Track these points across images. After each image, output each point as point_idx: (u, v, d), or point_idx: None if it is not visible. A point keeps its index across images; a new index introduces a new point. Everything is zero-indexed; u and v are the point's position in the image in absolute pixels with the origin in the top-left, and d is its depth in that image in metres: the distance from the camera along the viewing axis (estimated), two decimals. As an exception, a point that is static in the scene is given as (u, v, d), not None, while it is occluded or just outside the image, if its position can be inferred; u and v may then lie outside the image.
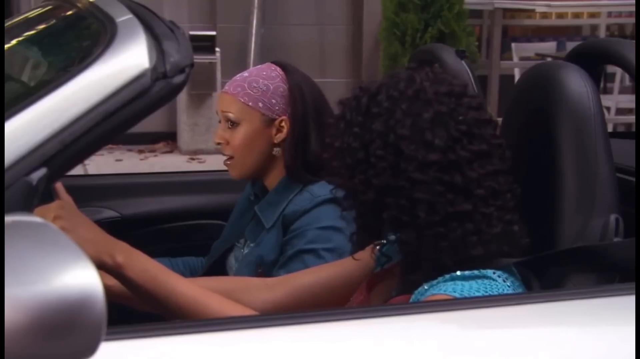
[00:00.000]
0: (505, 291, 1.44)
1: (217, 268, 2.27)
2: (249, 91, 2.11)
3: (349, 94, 1.53)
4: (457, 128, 1.44)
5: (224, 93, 2.16)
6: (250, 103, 2.11)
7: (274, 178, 2.16)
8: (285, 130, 2.12)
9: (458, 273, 1.45)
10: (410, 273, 1.50)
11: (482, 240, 1.44)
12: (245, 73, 2.17)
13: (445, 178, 1.43)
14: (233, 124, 2.12)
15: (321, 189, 2.07)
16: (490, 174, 1.45)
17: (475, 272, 1.44)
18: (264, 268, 2.07)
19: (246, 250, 2.18)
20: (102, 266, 1.51)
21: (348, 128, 1.48)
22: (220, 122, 2.18)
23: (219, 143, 2.16)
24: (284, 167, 2.13)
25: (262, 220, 2.15)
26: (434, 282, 1.45)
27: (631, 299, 1.37)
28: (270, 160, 2.15)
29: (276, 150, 2.13)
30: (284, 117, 2.12)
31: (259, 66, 2.21)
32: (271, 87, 2.12)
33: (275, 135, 2.12)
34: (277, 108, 2.12)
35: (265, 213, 2.15)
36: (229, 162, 2.17)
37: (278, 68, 2.16)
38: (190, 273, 2.36)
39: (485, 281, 1.44)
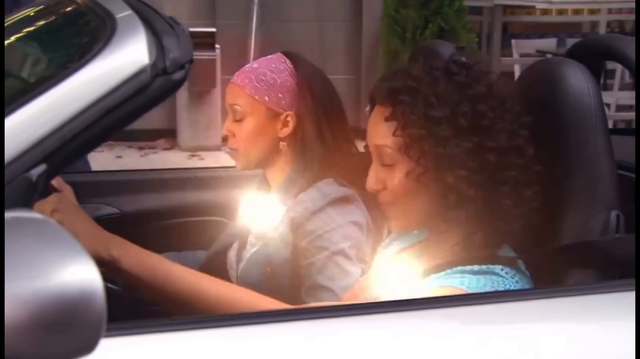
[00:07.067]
0: (511, 288, 1.44)
1: (217, 261, 2.26)
2: (256, 84, 2.08)
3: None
4: (515, 113, 1.53)
5: (231, 84, 2.13)
6: (256, 97, 2.07)
7: (277, 172, 2.12)
8: (291, 125, 2.08)
9: (467, 267, 1.45)
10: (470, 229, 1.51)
11: (524, 214, 1.48)
12: (255, 64, 2.13)
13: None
14: (239, 117, 2.09)
15: (330, 187, 2.02)
16: (534, 161, 1.52)
17: (484, 268, 1.45)
18: (273, 267, 2.04)
19: (254, 249, 2.13)
20: (98, 261, 1.51)
21: (446, 97, 1.49)
22: (228, 114, 2.15)
23: (226, 136, 2.14)
24: (289, 162, 2.10)
25: (268, 219, 2.10)
26: (441, 274, 1.46)
27: (631, 295, 1.37)
28: (275, 154, 2.11)
29: (282, 145, 2.10)
30: (290, 112, 2.07)
31: (270, 57, 2.15)
32: (278, 81, 2.08)
33: (281, 129, 2.08)
34: (283, 102, 2.07)
35: (270, 212, 2.10)
36: (233, 153, 2.15)
37: (287, 61, 2.11)
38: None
39: (493, 277, 1.44)
